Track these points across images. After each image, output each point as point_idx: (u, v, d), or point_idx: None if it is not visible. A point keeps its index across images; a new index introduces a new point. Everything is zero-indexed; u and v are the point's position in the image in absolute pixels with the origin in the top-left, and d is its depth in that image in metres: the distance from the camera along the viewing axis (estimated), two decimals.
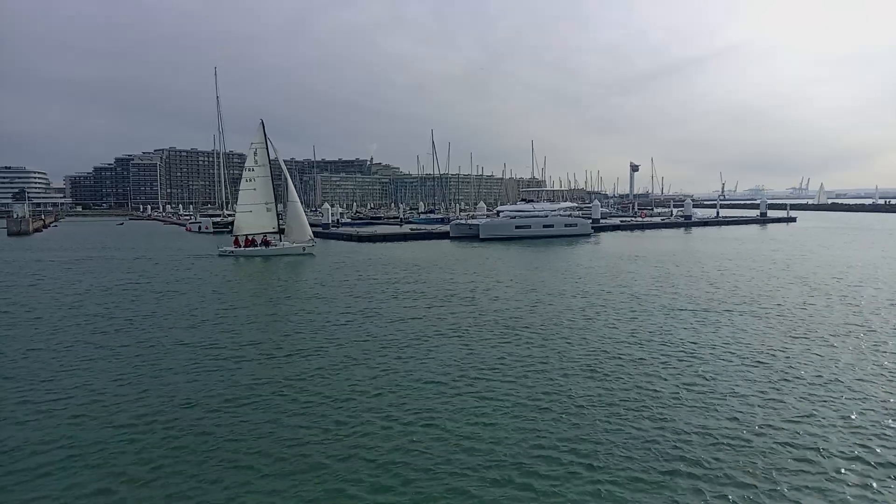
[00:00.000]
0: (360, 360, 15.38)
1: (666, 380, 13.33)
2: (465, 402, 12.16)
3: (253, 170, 46.76)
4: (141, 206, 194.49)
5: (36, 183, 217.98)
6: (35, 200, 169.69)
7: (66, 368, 14.86)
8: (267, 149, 46.85)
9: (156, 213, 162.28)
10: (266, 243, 46.10)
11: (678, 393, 12.55)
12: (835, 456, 9.49)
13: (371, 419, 11.28)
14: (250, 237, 46.14)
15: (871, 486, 8.60)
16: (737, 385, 12.93)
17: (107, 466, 9.47)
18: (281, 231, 47.25)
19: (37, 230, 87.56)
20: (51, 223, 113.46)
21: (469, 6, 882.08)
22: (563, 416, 11.31)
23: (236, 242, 45.94)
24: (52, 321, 20.89)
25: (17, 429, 11.06)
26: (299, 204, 49.24)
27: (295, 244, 45.98)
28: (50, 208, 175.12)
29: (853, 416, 11.06)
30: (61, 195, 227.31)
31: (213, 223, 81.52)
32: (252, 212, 46.52)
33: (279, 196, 52.55)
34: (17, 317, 21.84)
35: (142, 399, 12.56)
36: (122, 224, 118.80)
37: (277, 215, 48.02)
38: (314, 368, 14.67)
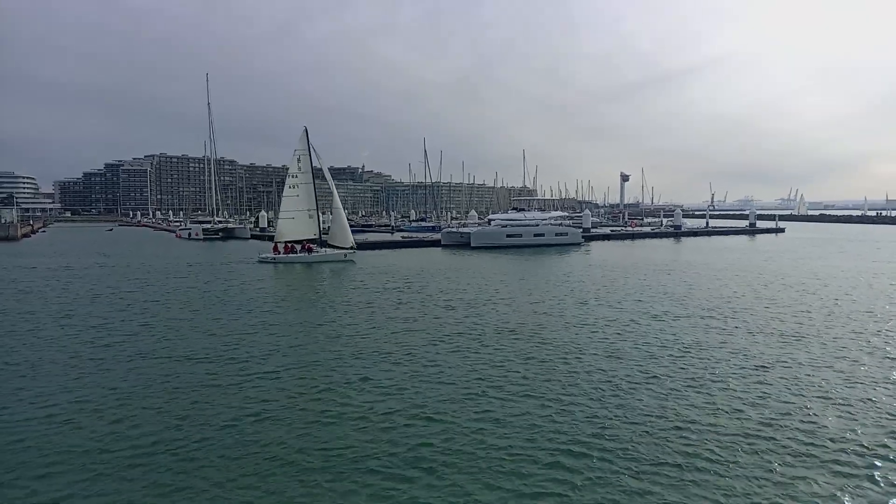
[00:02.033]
0: (376, 372, 15.26)
1: (670, 379, 13.53)
2: (488, 408, 12.24)
3: (296, 176, 46.93)
4: (131, 213, 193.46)
5: (24, 188, 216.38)
6: (23, 206, 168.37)
7: (88, 375, 14.76)
8: (310, 156, 46.99)
9: (145, 220, 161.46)
10: (309, 250, 46.12)
11: (687, 394, 12.90)
12: (842, 453, 9.71)
13: (388, 427, 11.30)
14: (289, 244, 46.11)
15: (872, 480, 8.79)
16: (747, 389, 13.21)
17: (131, 479, 9.37)
18: (323, 243, 47.18)
19: (25, 236, 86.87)
20: (39, 229, 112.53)
21: (460, 14, 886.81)
22: (578, 417, 11.52)
23: (275, 249, 45.87)
24: (98, 332, 20.57)
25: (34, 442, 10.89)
26: (342, 211, 49.51)
27: (337, 251, 46.22)
28: (38, 214, 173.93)
29: (859, 417, 11.33)
30: (50, 201, 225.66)
31: (204, 230, 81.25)
32: (294, 218, 46.66)
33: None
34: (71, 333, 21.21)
35: (162, 411, 12.42)
36: (111, 230, 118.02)
37: (318, 222, 48.05)
38: (333, 381, 14.56)
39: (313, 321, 22.05)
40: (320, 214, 48.68)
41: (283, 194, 47.64)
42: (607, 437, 10.65)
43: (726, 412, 11.90)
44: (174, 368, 15.37)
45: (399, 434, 10.91)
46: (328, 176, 49.57)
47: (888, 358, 15.99)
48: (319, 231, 47.50)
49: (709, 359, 16.02)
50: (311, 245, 46.51)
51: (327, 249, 46.54)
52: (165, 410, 12.26)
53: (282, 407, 12.46)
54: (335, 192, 48.84)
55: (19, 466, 9.69)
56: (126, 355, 16.72)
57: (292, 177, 47.14)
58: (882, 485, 8.95)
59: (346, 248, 46.20)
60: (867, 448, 10.19)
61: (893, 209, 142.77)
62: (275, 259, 44.46)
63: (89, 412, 12.13)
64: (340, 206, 49.25)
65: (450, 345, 17.87)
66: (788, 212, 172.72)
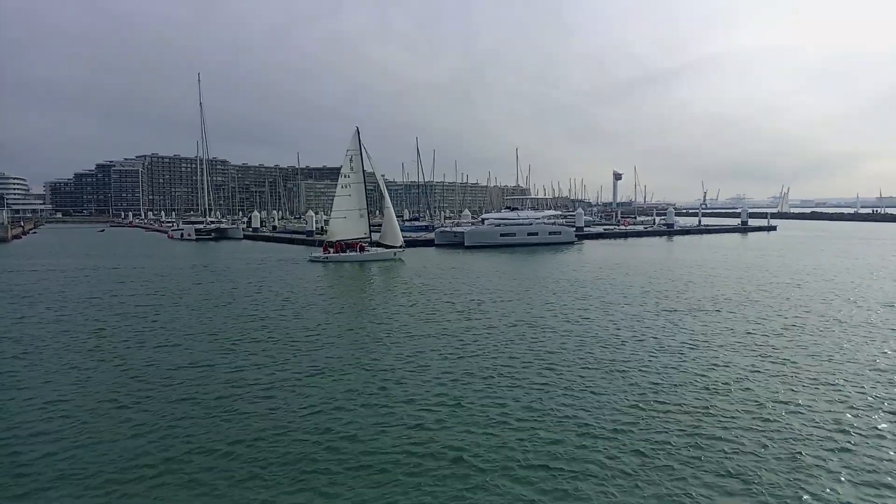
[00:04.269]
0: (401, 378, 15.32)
1: (679, 371, 13.64)
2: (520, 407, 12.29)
3: (348, 176, 47.44)
4: (122, 213, 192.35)
5: (15, 189, 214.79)
6: (14, 207, 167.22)
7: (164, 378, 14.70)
8: (361, 156, 47.28)
9: (137, 220, 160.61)
10: (361, 249, 46.55)
11: (703, 387, 13.20)
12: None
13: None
14: (339, 244, 46.52)
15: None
16: (764, 383, 13.44)
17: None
18: (375, 244, 47.60)
19: (16, 237, 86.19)
20: (30, 230, 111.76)
21: (453, 16, 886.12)
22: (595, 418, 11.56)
23: (325, 249, 46.35)
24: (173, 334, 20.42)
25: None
26: (393, 210, 50.09)
27: (387, 250, 46.85)
28: (29, 215, 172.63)
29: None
30: (41, 201, 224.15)
31: (196, 230, 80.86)
32: (346, 217, 47.21)
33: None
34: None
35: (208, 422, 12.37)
36: (102, 231, 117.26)
37: (369, 221, 48.42)
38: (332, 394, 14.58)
39: (337, 325, 21.94)
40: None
41: (336, 194, 48.17)
42: (639, 438, 10.74)
43: (745, 406, 12.18)
44: (210, 370, 15.35)
45: (434, 435, 11.00)
46: (379, 177, 49.97)
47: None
48: (370, 230, 47.97)
49: (716, 351, 16.45)
50: (364, 244, 46.95)
51: (378, 249, 47.16)
52: (206, 415, 12.22)
53: (310, 413, 12.40)
54: (386, 192, 49.33)
55: (41, 476, 9.46)
56: (174, 356, 16.72)
57: (344, 177, 47.58)
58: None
59: (396, 247, 46.88)
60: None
61: (888, 206, 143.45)
62: (327, 258, 45.05)
63: (125, 420, 11.91)
64: (391, 207, 49.82)
65: (474, 345, 17.87)
66: (772, 210, 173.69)
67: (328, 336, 19.39)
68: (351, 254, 45.90)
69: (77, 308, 25.06)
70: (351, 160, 47.12)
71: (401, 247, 47.34)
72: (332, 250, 46.17)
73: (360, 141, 47.18)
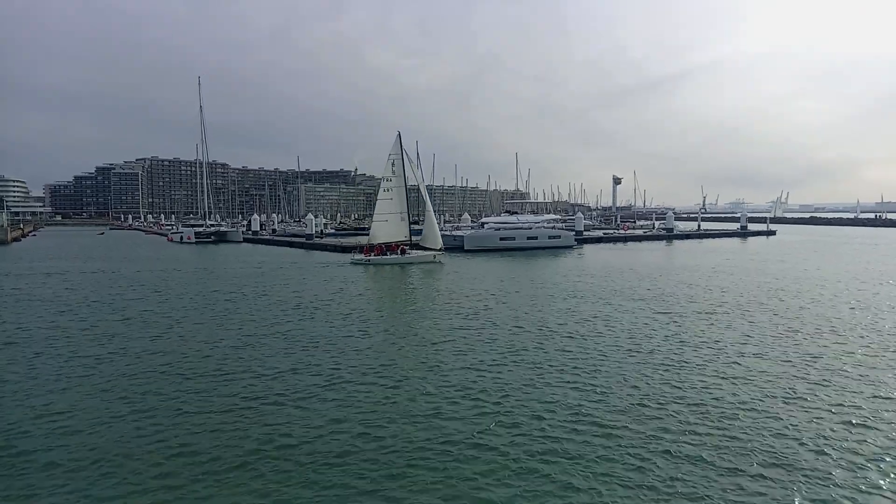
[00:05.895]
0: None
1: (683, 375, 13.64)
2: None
3: (390, 180, 48.00)
4: (122, 216, 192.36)
5: (14, 191, 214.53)
6: (13, 209, 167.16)
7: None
8: (403, 160, 47.75)
9: (137, 223, 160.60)
10: (402, 251, 47.00)
11: (710, 390, 12.98)
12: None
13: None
14: (380, 246, 47.11)
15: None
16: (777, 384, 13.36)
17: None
18: (415, 245, 48.13)
19: (15, 240, 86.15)
20: (30, 232, 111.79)
21: (453, 20, 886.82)
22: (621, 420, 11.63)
23: (366, 251, 46.98)
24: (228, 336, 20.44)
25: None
26: (433, 214, 50.73)
27: (427, 252, 47.45)
28: (29, 217, 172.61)
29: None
30: (41, 204, 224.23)
31: (196, 233, 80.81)
32: (388, 221, 47.86)
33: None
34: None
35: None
36: (102, 234, 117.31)
37: (409, 225, 48.99)
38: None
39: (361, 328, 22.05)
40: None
41: (378, 197, 48.94)
42: (643, 438, 10.77)
43: (747, 405, 12.30)
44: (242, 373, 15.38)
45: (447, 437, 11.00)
46: (420, 182, 50.44)
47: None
48: (410, 233, 48.50)
49: (723, 352, 16.54)
50: (405, 247, 47.42)
51: (417, 251, 47.75)
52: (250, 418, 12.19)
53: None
54: (427, 196, 49.82)
55: (49, 488, 9.22)
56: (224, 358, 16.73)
57: (386, 180, 48.24)
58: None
59: (436, 250, 47.42)
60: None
61: (889, 212, 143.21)
62: (368, 261, 45.64)
63: (138, 431, 11.60)
64: (432, 210, 50.45)
65: (482, 347, 17.95)
66: (767, 215, 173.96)
67: (363, 337, 19.47)
68: (391, 256, 46.39)
69: (85, 312, 24.98)
70: (393, 164, 47.71)
71: (440, 249, 47.82)
72: (373, 253, 46.64)
73: (401, 145, 47.68)
